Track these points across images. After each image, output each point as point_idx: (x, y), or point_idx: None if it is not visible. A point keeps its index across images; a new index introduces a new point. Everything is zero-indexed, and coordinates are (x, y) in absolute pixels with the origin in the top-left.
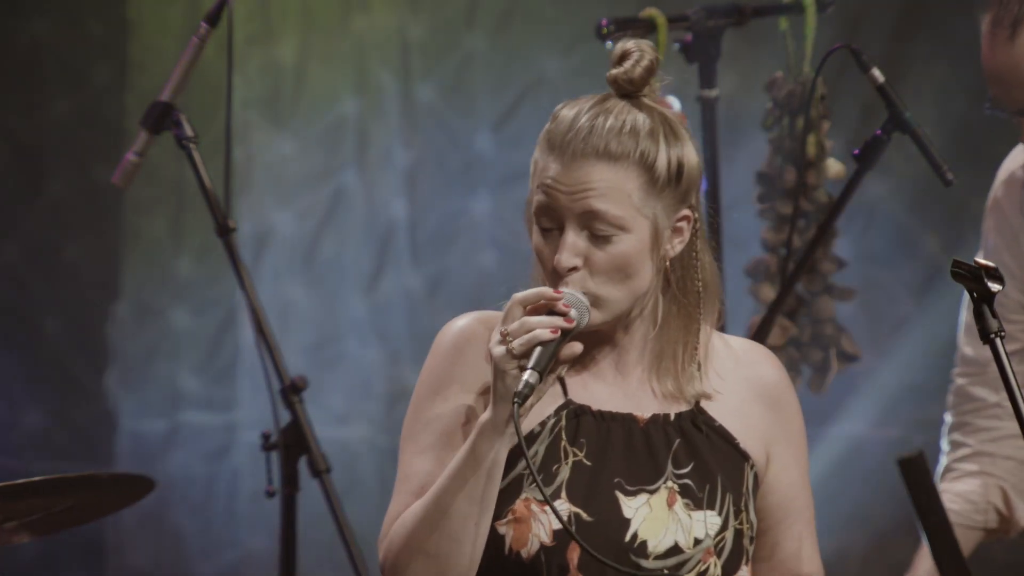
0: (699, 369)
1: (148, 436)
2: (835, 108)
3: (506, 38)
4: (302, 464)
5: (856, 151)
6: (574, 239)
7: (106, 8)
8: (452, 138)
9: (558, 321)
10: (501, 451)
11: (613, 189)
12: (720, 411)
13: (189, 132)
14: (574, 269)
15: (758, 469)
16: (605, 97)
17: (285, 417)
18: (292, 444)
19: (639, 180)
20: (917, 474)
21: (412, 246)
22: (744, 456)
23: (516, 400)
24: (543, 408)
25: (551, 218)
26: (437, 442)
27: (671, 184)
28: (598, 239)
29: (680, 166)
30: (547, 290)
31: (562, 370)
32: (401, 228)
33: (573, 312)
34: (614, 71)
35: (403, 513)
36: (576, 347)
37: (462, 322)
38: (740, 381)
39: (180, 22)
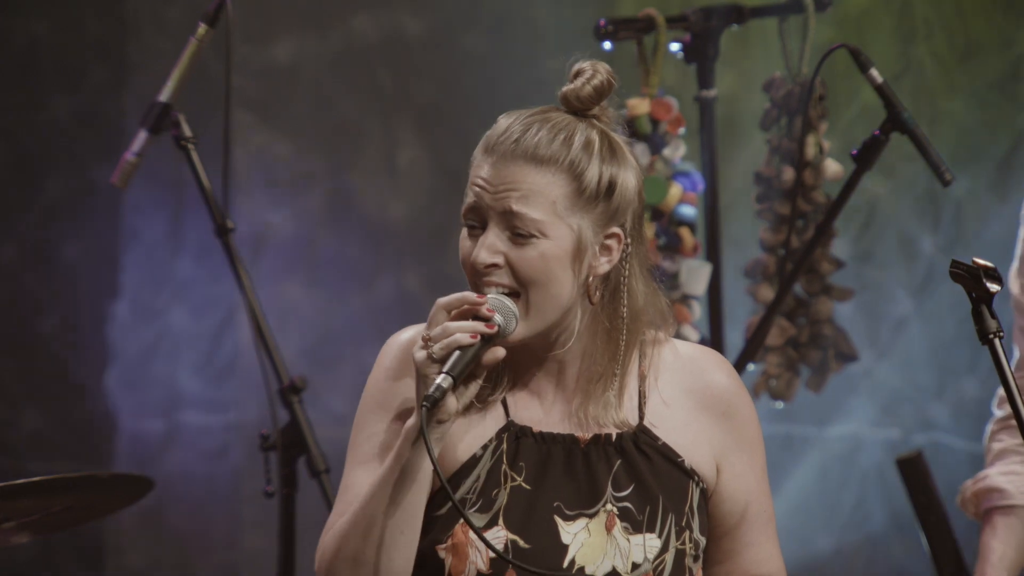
0: (642, 386)
1: (147, 436)
2: (833, 108)
3: (505, 38)
4: (301, 464)
5: (854, 151)
6: (494, 238)
7: (104, 8)
8: (450, 138)
9: (479, 326)
10: (426, 457)
11: (536, 193)
12: (665, 427)
13: (188, 132)
14: (493, 266)
15: (706, 484)
16: (549, 108)
17: (284, 417)
18: (291, 444)
19: (566, 188)
20: (916, 474)
21: (411, 247)
22: (688, 474)
23: (425, 404)
24: (485, 431)
25: (476, 218)
26: (377, 455)
27: (599, 199)
28: (517, 240)
29: (612, 184)
30: (470, 294)
31: (501, 393)
32: (400, 228)
33: (497, 317)
34: (565, 88)
35: (336, 525)
36: (498, 352)
37: (406, 335)
38: (688, 393)
39: (178, 22)
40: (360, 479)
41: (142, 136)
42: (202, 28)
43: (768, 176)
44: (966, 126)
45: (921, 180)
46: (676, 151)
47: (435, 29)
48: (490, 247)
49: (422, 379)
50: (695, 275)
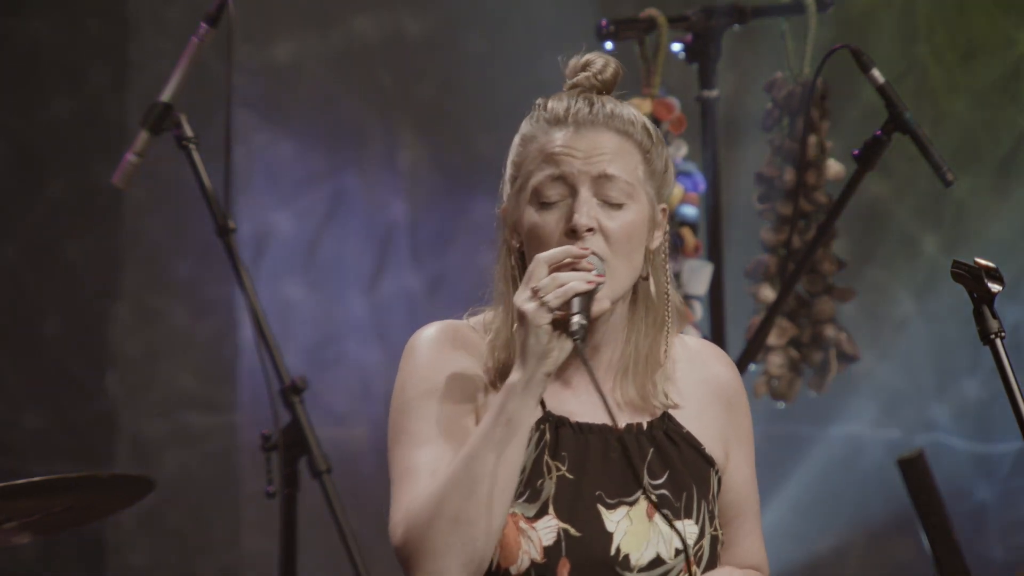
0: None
1: (148, 437)
2: (835, 109)
3: (506, 38)
4: (302, 464)
5: (856, 152)
6: (589, 202)
7: (105, 8)
8: (452, 138)
9: (592, 275)
10: (530, 411)
11: (622, 157)
12: (685, 416)
13: (189, 132)
14: (591, 230)
15: (721, 473)
16: (585, 91)
17: (286, 418)
18: (292, 444)
19: (640, 157)
20: (917, 474)
21: (412, 247)
22: (710, 462)
23: (577, 338)
24: None
25: (560, 187)
26: (436, 434)
27: (660, 175)
28: (610, 207)
29: (667, 163)
30: (573, 248)
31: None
32: (401, 229)
33: (598, 269)
34: (580, 76)
35: (422, 493)
36: (605, 303)
37: (433, 328)
38: (699, 383)
39: (179, 22)
40: (425, 456)
41: (143, 136)
42: (203, 28)
43: (770, 176)
44: (968, 126)
45: (923, 180)
46: (678, 151)
47: (436, 29)
48: (588, 211)
49: (534, 331)
50: (697, 275)
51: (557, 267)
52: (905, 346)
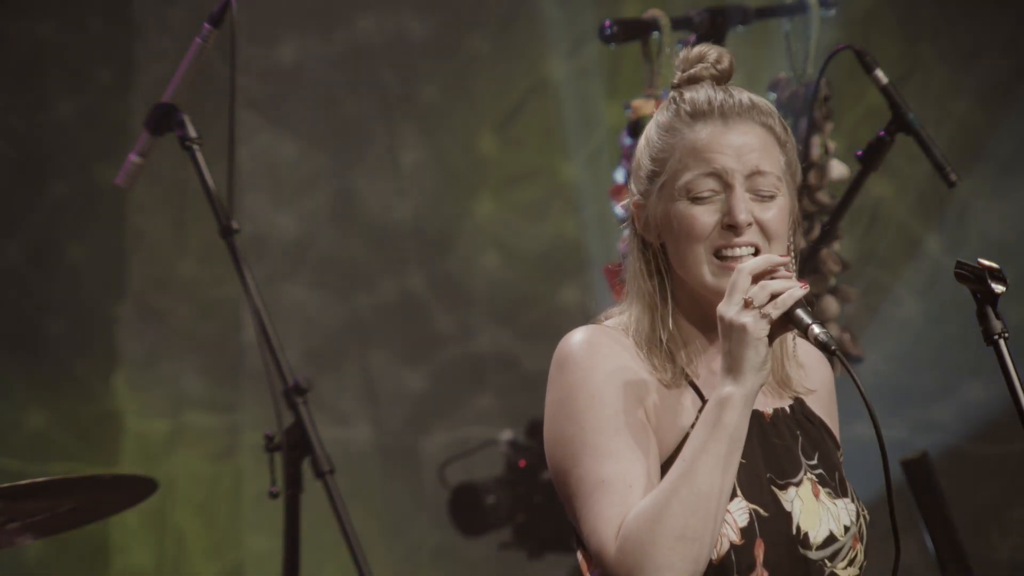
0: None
1: (152, 437)
2: (838, 109)
3: (509, 39)
4: (306, 465)
5: (859, 152)
6: (744, 197)
7: (110, 9)
8: (455, 139)
9: (795, 282)
10: (747, 422)
11: (769, 151)
12: (813, 404)
13: (192, 133)
14: (749, 224)
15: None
16: (710, 84)
17: (289, 418)
18: (295, 445)
19: (780, 149)
20: (920, 474)
21: (414, 247)
22: (838, 446)
23: (835, 349)
24: (685, 412)
25: (712, 183)
26: (619, 444)
27: (795, 165)
28: (761, 200)
29: (796, 153)
30: (774, 256)
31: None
32: (404, 229)
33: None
34: (698, 67)
35: (638, 508)
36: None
37: (581, 333)
38: (808, 373)
39: (183, 23)
40: (616, 468)
41: (146, 137)
42: (207, 28)
43: None
44: (971, 127)
45: (926, 181)
46: None
47: (439, 30)
48: (747, 207)
49: (753, 344)
50: None
51: (759, 276)
52: (908, 347)
